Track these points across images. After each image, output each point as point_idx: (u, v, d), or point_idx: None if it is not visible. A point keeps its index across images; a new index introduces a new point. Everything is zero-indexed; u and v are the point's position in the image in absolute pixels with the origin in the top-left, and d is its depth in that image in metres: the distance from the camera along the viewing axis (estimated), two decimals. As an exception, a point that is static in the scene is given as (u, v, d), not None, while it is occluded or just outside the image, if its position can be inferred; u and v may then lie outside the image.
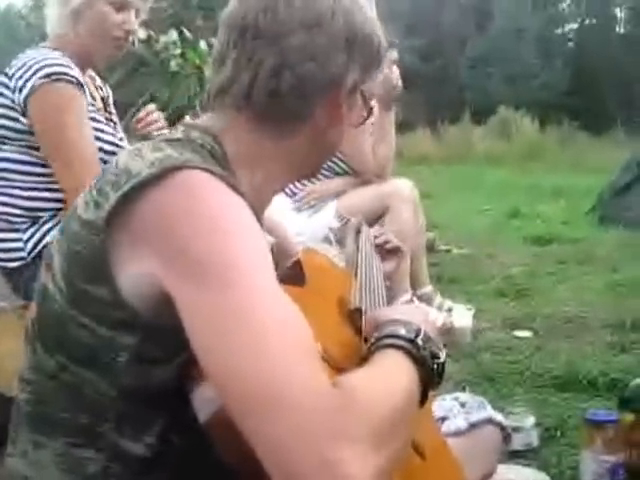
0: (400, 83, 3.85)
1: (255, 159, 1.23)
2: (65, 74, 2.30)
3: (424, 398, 1.12)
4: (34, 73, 2.28)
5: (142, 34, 7.09)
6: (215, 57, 1.25)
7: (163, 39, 6.44)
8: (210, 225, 1.00)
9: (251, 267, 0.98)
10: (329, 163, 3.89)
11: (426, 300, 3.89)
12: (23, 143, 2.34)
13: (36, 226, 2.33)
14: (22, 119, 2.31)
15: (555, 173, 11.28)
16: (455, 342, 3.56)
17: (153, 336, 1.05)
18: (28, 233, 2.34)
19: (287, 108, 1.21)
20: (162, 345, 1.06)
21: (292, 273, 1.46)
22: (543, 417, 2.60)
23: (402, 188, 3.86)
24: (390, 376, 1.07)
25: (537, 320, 3.86)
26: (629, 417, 2.09)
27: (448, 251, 5.93)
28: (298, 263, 1.49)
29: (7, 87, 2.33)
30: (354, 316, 1.39)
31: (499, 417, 1.74)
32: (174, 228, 1.00)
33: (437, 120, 16.31)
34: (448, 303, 3.93)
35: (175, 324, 0.98)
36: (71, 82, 2.30)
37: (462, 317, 3.65)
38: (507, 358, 3.33)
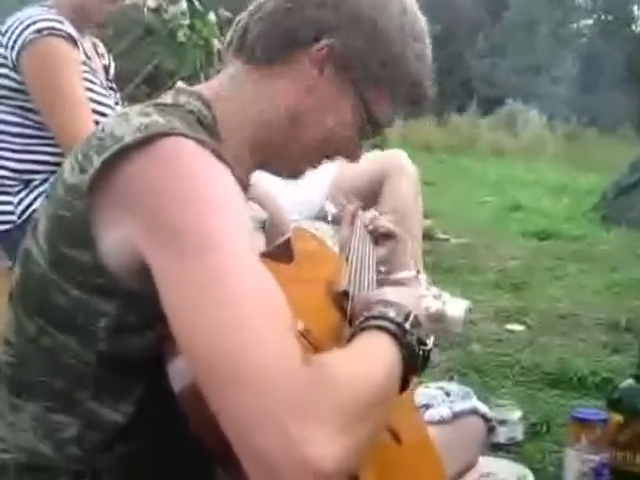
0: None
1: (239, 127, 1.23)
2: (56, 29, 2.28)
3: (405, 383, 1.09)
4: (25, 28, 2.26)
5: (152, 3, 7.07)
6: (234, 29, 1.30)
7: (172, 9, 6.39)
8: (190, 194, 0.98)
9: (228, 238, 0.96)
10: None
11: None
12: (16, 103, 2.32)
13: (27, 189, 2.31)
14: (14, 76, 2.30)
15: (560, 169, 11.25)
16: (446, 331, 3.54)
17: (132, 304, 1.04)
18: (19, 196, 2.31)
19: (267, 45, 1.25)
20: (141, 313, 1.04)
21: (281, 250, 1.45)
22: (530, 412, 2.57)
23: (401, 160, 3.78)
24: (369, 357, 1.04)
25: (530, 315, 3.82)
26: (617, 418, 2.05)
27: (446, 240, 5.89)
28: (288, 241, 1.46)
29: (0, 44, 2.31)
30: (341, 299, 1.35)
31: (484, 408, 1.71)
32: (155, 195, 0.98)
33: (443, 109, 16.25)
34: (440, 292, 3.88)
35: (154, 292, 0.97)
36: (62, 37, 2.28)
37: (455, 307, 3.61)
38: (497, 350, 3.29)
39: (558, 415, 2.54)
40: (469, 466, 1.71)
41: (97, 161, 1.03)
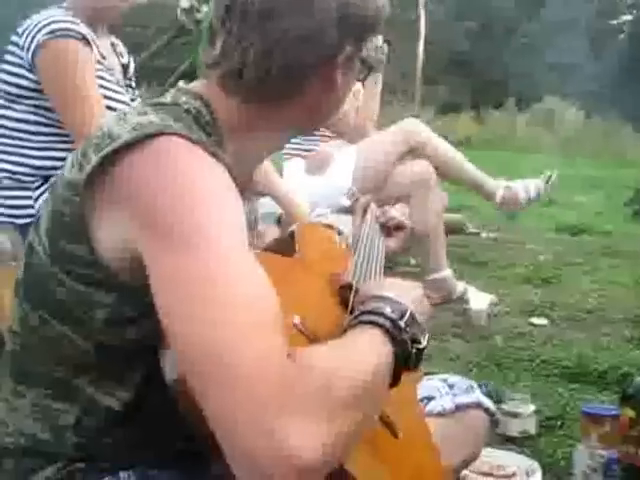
0: (385, 46, 3.81)
1: (243, 126, 1.23)
2: (69, 29, 2.32)
3: (396, 380, 1.09)
4: (39, 30, 2.31)
5: (185, 3, 7.13)
6: (207, 31, 1.24)
7: (205, 8, 6.45)
8: (182, 190, 0.99)
9: (219, 233, 0.97)
10: None
11: (443, 284, 3.85)
12: (33, 102, 2.37)
13: (46, 185, 2.35)
14: (30, 76, 2.34)
15: (596, 165, 11.12)
16: (470, 324, 3.53)
17: (128, 296, 1.06)
18: (38, 192, 2.36)
19: (278, 87, 1.21)
20: (137, 305, 1.06)
21: (284, 243, 1.45)
22: (545, 406, 2.56)
23: (421, 173, 3.80)
24: (356, 352, 1.03)
25: (556, 309, 3.80)
26: (629, 413, 2.01)
27: (477, 234, 5.86)
28: (292, 234, 1.47)
29: (18, 45, 2.36)
30: (344, 291, 1.35)
31: (487, 402, 1.69)
32: (148, 192, 1.00)
33: (481, 104, 16.15)
34: (465, 286, 3.86)
35: (148, 286, 0.98)
36: (75, 37, 2.32)
37: (479, 301, 3.59)
38: (519, 344, 3.28)
39: (574, 409, 2.53)
40: (471, 459, 1.69)
41: (94, 159, 1.05)
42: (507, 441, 2.32)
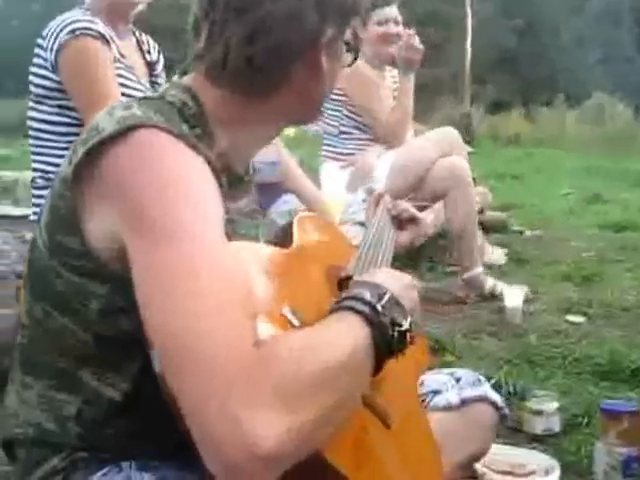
0: (421, 45, 3.83)
1: (235, 116, 1.25)
2: (88, 28, 2.38)
3: (380, 366, 1.07)
4: (61, 31, 2.38)
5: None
6: (192, 24, 1.26)
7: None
8: (159, 182, 1.02)
9: (194, 227, 0.99)
10: (359, 124, 3.99)
11: (476, 282, 3.80)
12: (57, 102, 2.44)
13: None
14: (53, 76, 2.41)
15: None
16: (505, 322, 3.48)
17: (120, 287, 1.08)
18: None
19: (263, 75, 1.23)
20: (128, 296, 1.06)
21: (283, 234, 1.44)
22: (573, 404, 2.50)
23: (454, 169, 3.79)
24: (330, 339, 1.02)
25: (594, 306, 3.73)
26: (651, 410, 1.96)
27: (520, 232, 5.80)
28: (290, 225, 1.46)
29: (42, 47, 2.44)
30: (343, 284, 1.33)
31: (494, 396, 1.66)
32: (128, 184, 1.03)
33: (531, 102, 15.97)
34: (495, 282, 3.82)
35: None
36: (93, 36, 2.38)
37: (513, 298, 3.54)
38: (553, 341, 3.22)
39: (601, 407, 2.46)
40: (479, 454, 1.67)
41: (80, 152, 1.08)
42: (530, 439, 2.27)
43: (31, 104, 2.50)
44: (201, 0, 1.23)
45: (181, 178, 1.03)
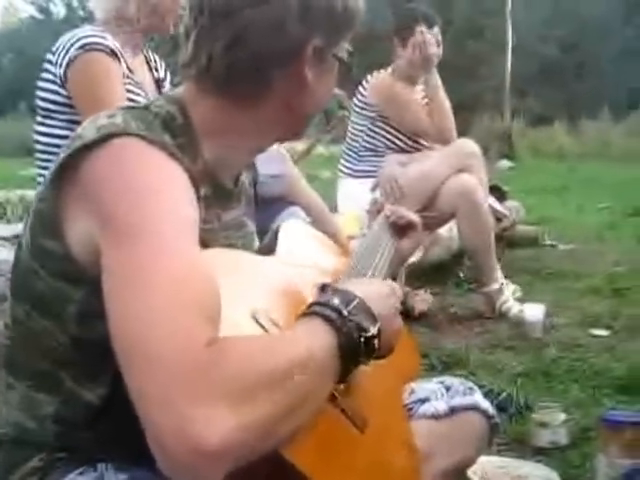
0: (439, 49, 3.91)
1: (221, 128, 1.26)
2: (98, 44, 2.40)
3: (346, 372, 1.06)
4: (72, 45, 2.40)
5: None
6: (182, 32, 1.28)
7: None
8: (131, 188, 1.04)
9: (159, 229, 1.00)
10: (384, 141, 4.00)
11: (491, 298, 3.79)
12: (66, 117, 2.47)
13: None
14: (62, 91, 2.44)
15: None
16: (525, 336, 3.44)
17: (97, 291, 1.07)
18: None
19: (245, 81, 1.24)
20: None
21: (271, 244, 1.45)
22: (585, 417, 2.45)
23: (464, 187, 3.79)
24: (287, 343, 1.02)
25: (620, 319, 3.67)
26: (657, 421, 1.91)
27: (553, 246, 5.74)
28: (276, 233, 1.47)
29: (51, 62, 2.46)
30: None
31: (485, 404, 1.62)
32: (103, 189, 1.05)
33: (575, 115, 15.80)
34: (517, 305, 3.76)
35: None
36: (104, 51, 2.40)
37: (533, 312, 3.50)
38: (573, 355, 3.18)
39: (611, 420, 2.40)
40: (466, 463, 1.63)
41: (60, 158, 1.12)
42: (535, 452, 2.24)
43: (39, 119, 2.52)
44: (192, 7, 1.25)
45: (151, 183, 1.05)
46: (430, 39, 3.88)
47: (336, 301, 1.07)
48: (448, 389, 1.63)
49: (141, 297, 0.95)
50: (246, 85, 1.24)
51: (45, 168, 2.49)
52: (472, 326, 3.70)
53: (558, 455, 2.24)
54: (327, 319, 1.05)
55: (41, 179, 2.46)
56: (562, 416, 2.28)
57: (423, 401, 1.60)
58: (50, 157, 2.47)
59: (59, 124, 2.48)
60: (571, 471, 2.11)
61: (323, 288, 1.30)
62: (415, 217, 1.76)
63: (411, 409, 1.57)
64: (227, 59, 1.21)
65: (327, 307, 1.06)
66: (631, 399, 2.65)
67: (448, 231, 4.27)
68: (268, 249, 1.42)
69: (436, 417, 1.57)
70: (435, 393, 1.62)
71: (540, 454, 2.25)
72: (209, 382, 0.89)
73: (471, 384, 1.68)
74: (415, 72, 4.04)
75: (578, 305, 3.99)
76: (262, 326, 1.12)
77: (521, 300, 3.88)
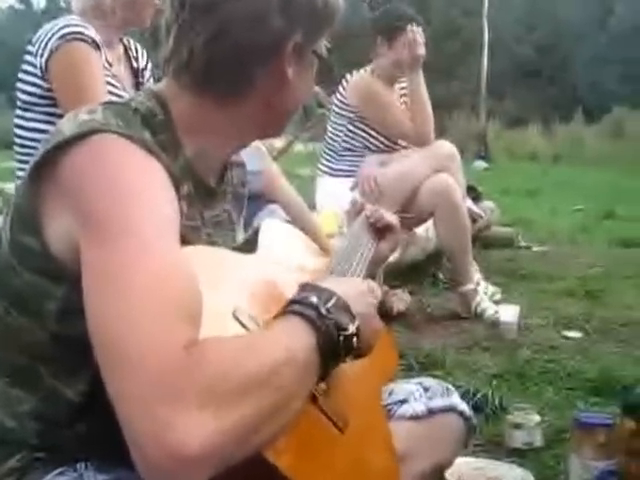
0: (423, 49, 3.91)
1: (201, 124, 1.25)
2: (80, 33, 2.36)
3: (326, 371, 1.06)
4: (52, 35, 2.36)
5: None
6: (163, 27, 1.27)
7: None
8: (110, 185, 1.03)
9: (138, 227, 1.00)
10: (363, 141, 4.03)
11: (466, 298, 3.82)
12: (45, 109, 2.43)
13: None
14: (42, 83, 2.40)
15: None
16: (500, 337, 3.47)
17: (77, 288, 1.06)
18: None
19: (225, 77, 1.24)
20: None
21: (251, 242, 1.44)
22: (559, 418, 2.48)
23: (442, 187, 3.82)
24: (266, 343, 1.01)
25: (593, 322, 3.71)
26: (630, 424, 1.92)
27: (528, 248, 5.78)
28: (256, 232, 1.46)
29: (31, 53, 2.42)
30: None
31: (462, 406, 1.64)
32: (82, 186, 1.04)
33: (549, 117, 15.91)
34: (492, 307, 3.79)
35: None
36: (86, 41, 2.36)
37: (508, 313, 3.53)
38: (547, 357, 3.21)
39: (585, 422, 2.43)
40: (443, 464, 1.64)
41: (39, 154, 1.10)
42: (510, 453, 2.26)
43: (18, 112, 2.48)
44: (173, 1, 1.24)
45: (133, 182, 1.04)
46: (420, 38, 3.90)
47: (314, 299, 1.06)
48: (427, 390, 1.64)
49: (120, 297, 0.94)
50: (227, 82, 1.23)
51: (24, 162, 2.46)
52: (448, 326, 3.72)
53: (532, 456, 2.26)
54: (306, 318, 1.04)
55: (20, 173, 2.45)
56: (537, 418, 2.30)
57: (402, 402, 1.61)
58: (29, 150, 2.45)
59: (38, 117, 2.44)
60: (545, 472, 2.13)
61: (302, 287, 1.31)
62: (394, 219, 1.77)
63: (390, 410, 1.57)
64: (207, 54, 1.21)
65: (305, 305, 1.06)
66: (604, 401, 2.68)
67: (424, 231, 4.29)
68: (248, 247, 1.41)
69: (415, 418, 1.58)
70: (413, 394, 1.62)
71: (514, 455, 2.27)
72: (188, 385, 0.88)
73: (449, 386, 1.70)
74: (400, 72, 4.04)
75: (551, 307, 4.03)
76: (242, 324, 1.11)
77: (497, 301, 3.92)
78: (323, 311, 1.05)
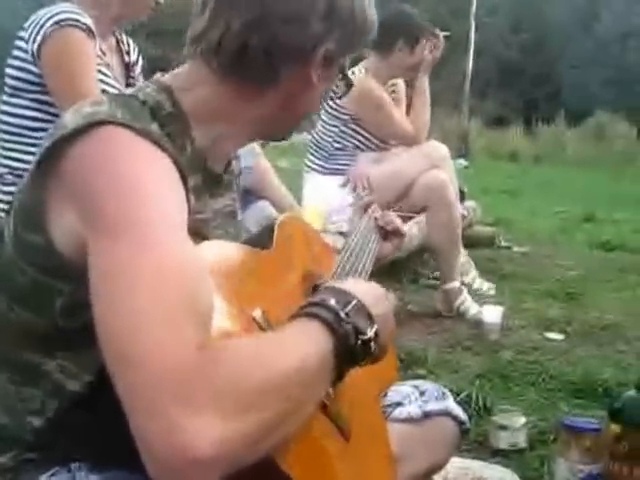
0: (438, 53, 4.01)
1: (218, 113, 1.24)
2: (74, 20, 2.33)
3: (341, 375, 1.05)
4: (46, 21, 2.33)
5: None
6: (197, 3, 1.24)
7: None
8: (117, 180, 1.00)
9: (147, 223, 0.97)
10: (354, 141, 4.03)
11: (450, 296, 3.86)
12: (33, 96, 2.39)
13: None
14: (33, 69, 2.36)
15: (645, 181, 10.91)
16: (482, 337, 3.50)
17: (84, 283, 1.04)
18: None
19: (253, 68, 1.21)
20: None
21: (263, 236, 1.42)
22: (542, 420, 2.52)
23: (435, 183, 3.85)
24: (283, 345, 0.99)
25: (573, 324, 3.75)
26: (615, 428, 1.96)
27: (508, 248, 5.81)
28: (271, 228, 1.44)
29: (23, 39, 2.39)
30: (318, 290, 1.33)
31: (457, 410, 1.65)
32: (88, 181, 1.02)
33: (531, 118, 16.00)
34: (475, 307, 3.83)
35: None
36: (80, 28, 2.33)
37: (491, 314, 3.56)
38: (529, 358, 3.24)
39: (569, 424, 2.47)
40: (436, 467, 1.65)
41: (43, 147, 1.08)
42: (495, 454, 2.29)
43: (4, 97, 2.43)
44: None
45: (140, 176, 1.02)
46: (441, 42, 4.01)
47: (332, 301, 1.04)
48: (422, 394, 1.64)
49: (129, 296, 0.92)
50: (253, 72, 1.21)
51: (8, 149, 2.44)
52: (430, 324, 3.74)
53: (516, 457, 2.29)
54: (324, 320, 1.02)
55: (4, 161, 2.43)
56: (522, 419, 2.34)
57: (397, 405, 1.62)
58: (13, 137, 2.42)
59: (25, 103, 2.40)
60: (529, 473, 2.17)
61: (319, 287, 1.26)
62: (402, 225, 1.79)
63: (384, 412, 1.58)
64: (242, 37, 1.19)
65: (323, 307, 1.04)
66: (585, 403, 2.72)
67: (408, 228, 4.31)
68: (260, 243, 1.36)
69: (409, 421, 1.58)
70: (409, 397, 1.62)
71: (499, 455, 2.30)
72: (199, 388, 0.86)
73: (445, 389, 1.70)
74: (414, 74, 4.07)
75: (532, 308, 4.06)
76: (259, 325, 1.10)
77: (491, 296, 3.96)
78: (342, 315, 1.03)
